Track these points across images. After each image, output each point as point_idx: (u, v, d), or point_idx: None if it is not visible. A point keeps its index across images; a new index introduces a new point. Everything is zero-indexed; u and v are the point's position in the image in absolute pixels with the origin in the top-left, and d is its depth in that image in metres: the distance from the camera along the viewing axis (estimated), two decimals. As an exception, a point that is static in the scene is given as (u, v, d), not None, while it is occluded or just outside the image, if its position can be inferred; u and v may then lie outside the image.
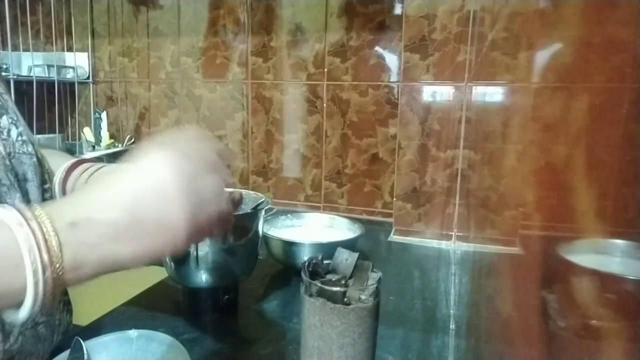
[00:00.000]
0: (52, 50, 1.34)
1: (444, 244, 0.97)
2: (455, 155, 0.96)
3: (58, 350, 0.46)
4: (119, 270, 0.32)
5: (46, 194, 0.49)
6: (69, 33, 1.42)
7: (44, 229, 0.28)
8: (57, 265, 0.28)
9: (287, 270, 0.78)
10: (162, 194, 0.32)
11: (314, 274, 0.42)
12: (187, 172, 0.34)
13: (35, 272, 0.27)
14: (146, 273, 0.83)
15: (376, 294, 0.40)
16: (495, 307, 0.65)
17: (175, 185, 0.33)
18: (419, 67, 0.99)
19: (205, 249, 0.56)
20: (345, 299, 0.39)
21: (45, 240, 0.28)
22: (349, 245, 0.66)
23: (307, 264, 0.42)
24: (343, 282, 0.41)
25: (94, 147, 1.34)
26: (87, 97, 1.44)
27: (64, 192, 0.53)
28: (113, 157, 1.25)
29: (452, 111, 0.96)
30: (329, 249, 0.65)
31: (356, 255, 0.43)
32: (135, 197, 0.32)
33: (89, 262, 0.30)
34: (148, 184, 0.33)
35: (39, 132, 1.23)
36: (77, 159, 0.57)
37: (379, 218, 1.17)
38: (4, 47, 1.20)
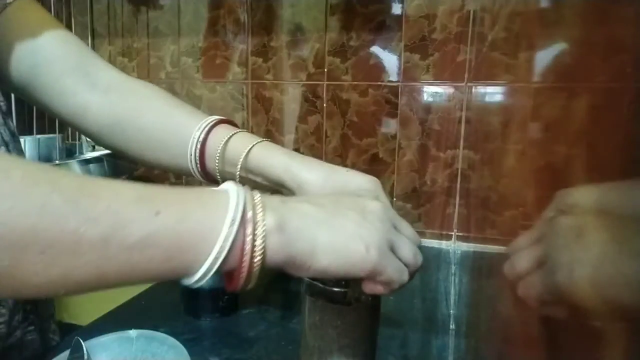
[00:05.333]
0: (52, 50, 1.33)
1: (444, 244, 0.97)
2: (455, 155, 0.96)
3: (58, 350, 0.46)
4: (305, 270, 0.32)
5: None
6: (69, 33, 1.42)
7: (254, 193, 0.31)
8: (259, 222, 0.29)
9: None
10: (365, 210, 0.34)
11: (314, 274, 0.42)
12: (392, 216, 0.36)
13: (233, 222, 0.28)
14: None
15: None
16: (496, 307, 0.65)
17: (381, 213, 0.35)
18: (419, 67, 0.99)
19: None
20: (346, 299, 0.39)
21: (253, 199, 0.30)
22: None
23: (307, 263, 0.42)
24: (343, 282, 0.41)
25: (94, 147, 1.34)
26: (87, 97, 1.44)
27: (201, 156, 0.48)
28: (113, 157, 1.25)
29: (452, 111, 0.96)
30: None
31: (356, 255, 0.43)
32: (340, 199, 0.35)
33: (291, 228, 0.31)
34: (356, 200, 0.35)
35: (39, 132, 1.23)
36: (220, 118, 0.50)
37: (379, 218, 1.17)
38: (4, 47, 1.20)
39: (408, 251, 0.35)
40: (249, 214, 0.29)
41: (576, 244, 0.28)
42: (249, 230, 0.29)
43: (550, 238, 0.30)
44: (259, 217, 0.29)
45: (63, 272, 0.25)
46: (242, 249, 0.29)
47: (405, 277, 0.35)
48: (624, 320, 0.26)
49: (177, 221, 0.27)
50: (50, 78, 0.49)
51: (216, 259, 0.28)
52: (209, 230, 0.28)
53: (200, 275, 0.29)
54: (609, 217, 0.29)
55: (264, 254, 0.29)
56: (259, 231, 0.29)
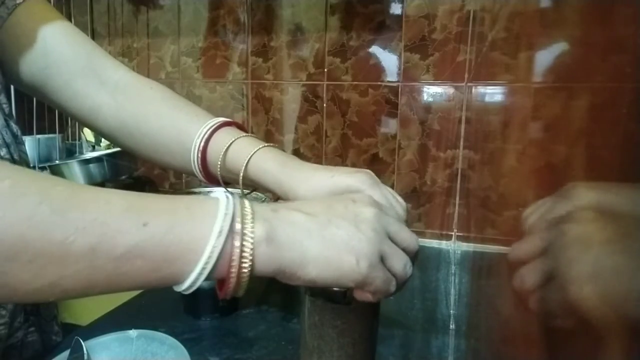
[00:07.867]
0: (52, 50, 1.33)
1: (444, 244, 0.97)
2: (455, 155, 0.96)
3: (58, 350, 0.46)
4: (295, 279, 0.32)
5: None
6: (69, 33, 1.42)
7: (244, 203, 0.30)
8: (248, 232, 0.29)
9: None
10: (359, 219, 0.33)
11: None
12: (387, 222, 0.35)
13: (220, 233, 0.28)
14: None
15: (376, 293, 0.40)
16: (495, 307, 0.65)
17: (374, 221, 0.34)
18: (419, 67, 0.99)
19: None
20: (346, 299, 0.39)
21: (243, 210, 0.30)
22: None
23: (307, 263, 0.42)
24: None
25: (94, 147, 1.34)
26: (87, 97, 1.44)
27: (203, 164, 0.48)
28: (113, 157, 1.25)
29: (452, 111, 0.96)
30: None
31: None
32: (333, 205, 0.34)
33: (281, 238, 0.30)
34: (352, 207, 0.34)
35: (39, 132, 1.23)
36: (222, 121, 0.49)
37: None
38: (4, 47, 1.20)
39: (398, 263, 0.34)
40: (238, 226, 0.29)
41: (586, 256, 0.27)
42: (237, 242, 0.29)
43: (558, 249, 0.29)
44: (248, 228, 0.29)
45: (51, 281, 0.25)
46: (230, 260, 0.29)
47: (392, 288, 0.34)
48: (636, 334, 0.25)
49: (165, 232, 0.27)
50: (62, 80, 0.49)
51: (204, 269, 0.28)
52: (197, 241, 0.28)
53: (189, 284, 0.29)
54: (619, 224, 0.29)
55: (252, 264, 0.30)
56: (247, 243, 0.29)
